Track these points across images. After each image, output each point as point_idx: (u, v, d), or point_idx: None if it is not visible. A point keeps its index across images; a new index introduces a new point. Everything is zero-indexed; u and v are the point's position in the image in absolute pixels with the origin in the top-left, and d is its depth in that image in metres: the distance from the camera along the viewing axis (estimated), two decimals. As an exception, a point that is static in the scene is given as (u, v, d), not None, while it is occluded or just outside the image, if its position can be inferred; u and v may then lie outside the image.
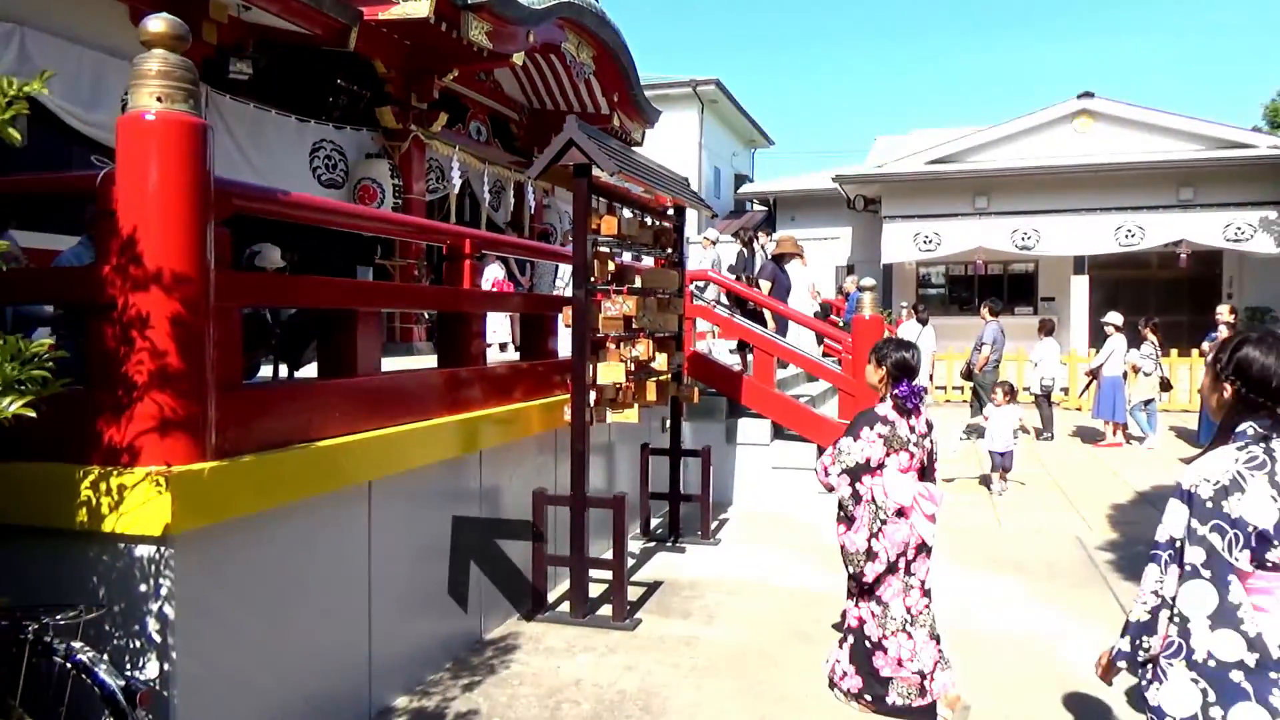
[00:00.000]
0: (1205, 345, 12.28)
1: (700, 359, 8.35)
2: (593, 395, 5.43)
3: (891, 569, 3.96)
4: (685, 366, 7.22)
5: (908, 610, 3.99)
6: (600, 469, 6.78)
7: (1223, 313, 11.97)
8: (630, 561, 6.31)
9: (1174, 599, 2.18)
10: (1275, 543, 2.10)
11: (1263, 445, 2.18)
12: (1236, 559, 2.10)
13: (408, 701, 4.24)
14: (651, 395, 5.96)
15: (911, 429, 4.03)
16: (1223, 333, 11.58)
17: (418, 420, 4.45)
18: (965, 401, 14.60)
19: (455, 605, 4.84)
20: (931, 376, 15.64)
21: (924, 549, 4.02)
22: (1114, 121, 18.28)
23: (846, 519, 4.03)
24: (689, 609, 5.53)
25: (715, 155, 24.55)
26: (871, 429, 3.98)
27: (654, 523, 7.54)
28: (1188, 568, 2.14)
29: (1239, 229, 17.14)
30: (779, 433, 8.47)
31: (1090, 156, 17.87)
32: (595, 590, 5.58)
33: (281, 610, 3.54)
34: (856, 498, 3.98)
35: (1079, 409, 15.39)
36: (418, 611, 4.47)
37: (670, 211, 6.73)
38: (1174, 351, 15.38)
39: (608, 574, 5.36)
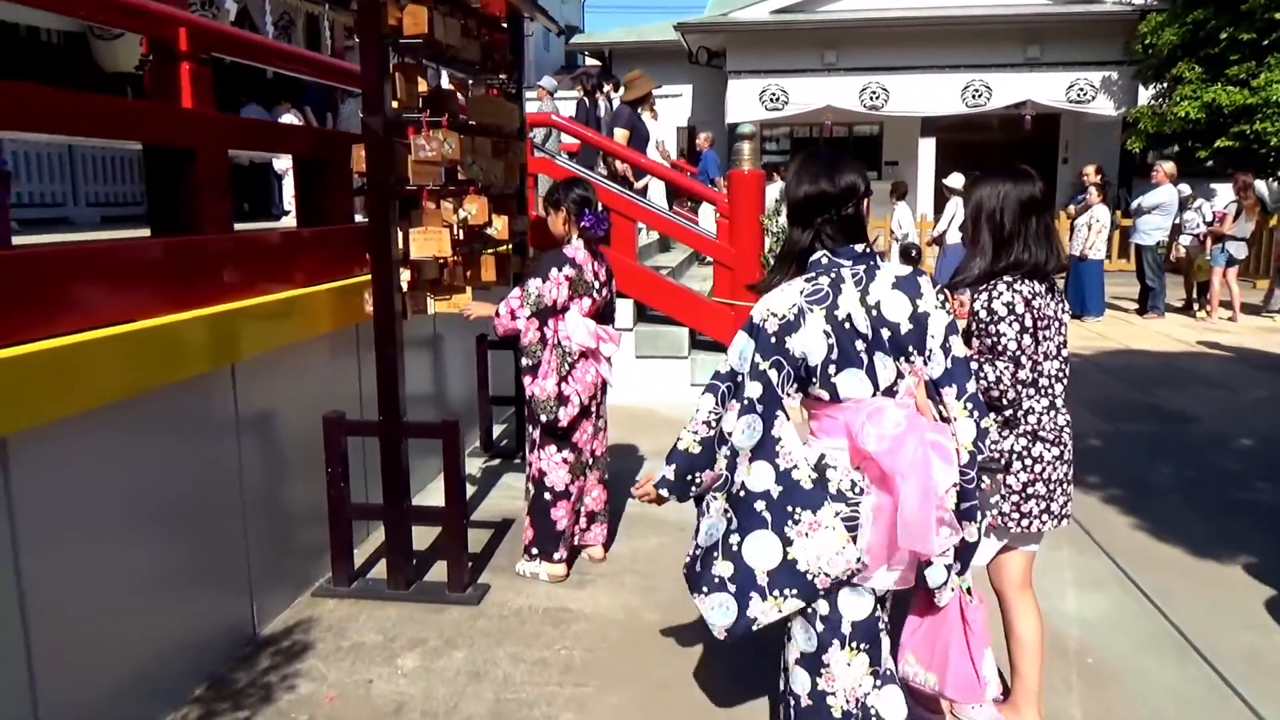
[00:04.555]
0: (1072, 207, 11.71)
1: (547, 227, 6.70)
2: (406, 276, 3.79)
3: (585, 412, 3.93)
4: (529, 236, 5.61)
5: (593, 453, 4.05)
6: (423, 373, 5.16)
7: (1089, 173, 11.37)
8: (468, 491, 4.82)
9: (730, 434, 2.16)
10: (815, 379, 2.11)
11: (831, 275, 2.14)
12: (787, 393, 2.13)
13: (124, 768, 2.66)
14: (490, 273, 4.35)
15: (596, 274, 3.91)
16: (1092, 194, 11.00)
17: (110, 324, 2.71)
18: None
19: (208, 592, 3.22)
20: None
21: (604, 389, 4.07)
22: (966, -29, 17.30)
23: (533, 367, 3.85)
24: (552, 561, 4.12)
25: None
26: (560, 270, 3.79)
27: (497, 432, 6.05)
28: (745, 402, 2.12)
29: (1081, 89, 16.82)
30: (642, 314, 7.06)
31: (941, 9, 16.90)
32: (421, 539, 4.07)
33: None
34: (543, 341, 3.83)
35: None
36: (136, 615, 2.82)
37: (504, 26, 4.96)
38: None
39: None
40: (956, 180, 11.31)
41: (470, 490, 4.95)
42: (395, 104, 3.53)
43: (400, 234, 3.70)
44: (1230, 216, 10.63)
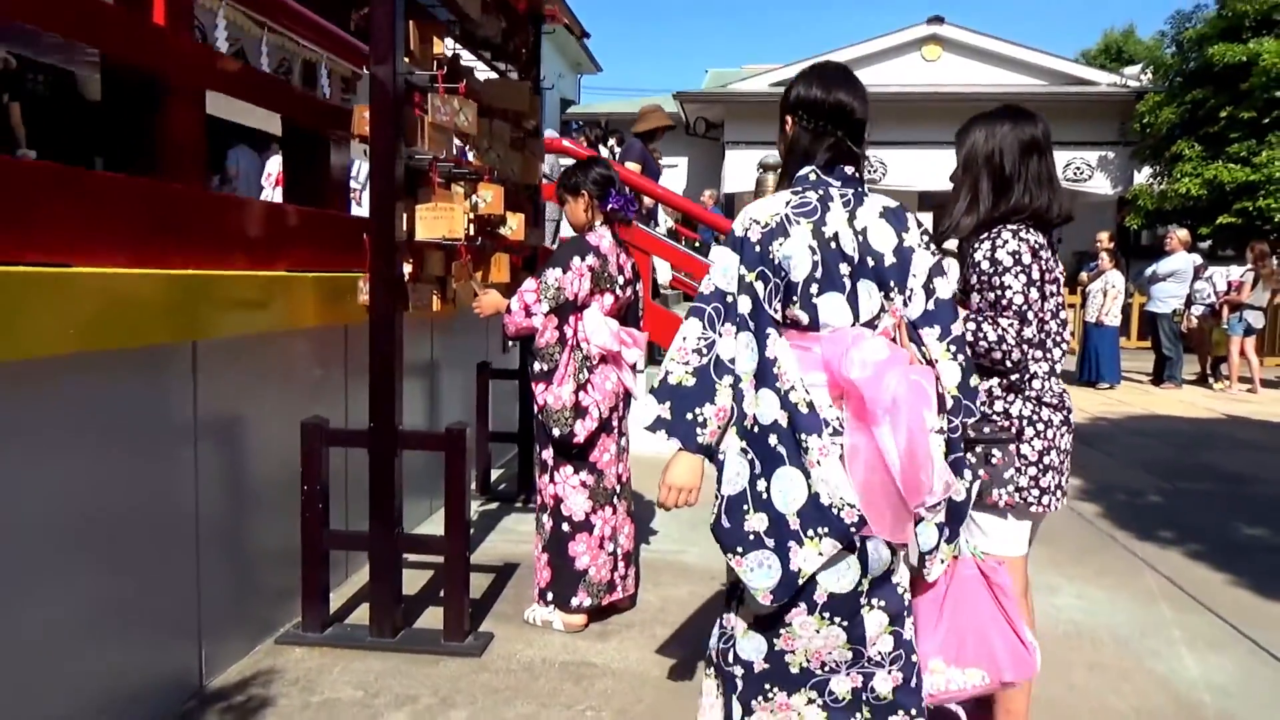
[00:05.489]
0: (1084, 275, 11.40)
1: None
2: (407, 268, 3.23)
3: (605, 427, 3.37)
4: (539, 256, 5.10)
5: (619, 478, 3.44)
6: (416, 401, 4.55)
7: (1102, 239, 11.09)
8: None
9: (732, 360, 1.93)
10: (796, 298, 1.92)
11: (820, 192, 1.98)
12: (775, 310, 1.95)
13: None
14: (502, 272, 3.81)
15: (620, 267, 3.44)
16: (1104, 260, 10.70)
17: (31, 265, 2.13)
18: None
19: (143, 633, 2.55)
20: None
21: (627, 401, 3.53)
22: (963, 50, 17.52)
23: (547, 372, 3.28)
24: (566, 608, 3.47)
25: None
26: (582, 260, 3.29)
27: (495, 474, 5.41)
28: (738, 319, 1.95)
29: (1078, 168, 16.81)
30: (654, 355, 6.52)
31: (939, 87, 16.98)
32: (412, 582, 3.43)
33: None
34: (562, 343, 3.28)
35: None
36: (46, 660, 2.16)
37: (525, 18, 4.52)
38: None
39: (433, 558, 3.23)
40: (953, 244, 11.00)
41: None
42: (409, 56, 3.03)
43: (405, 216, 3.16)
44: (1248, 285, 10.33)
